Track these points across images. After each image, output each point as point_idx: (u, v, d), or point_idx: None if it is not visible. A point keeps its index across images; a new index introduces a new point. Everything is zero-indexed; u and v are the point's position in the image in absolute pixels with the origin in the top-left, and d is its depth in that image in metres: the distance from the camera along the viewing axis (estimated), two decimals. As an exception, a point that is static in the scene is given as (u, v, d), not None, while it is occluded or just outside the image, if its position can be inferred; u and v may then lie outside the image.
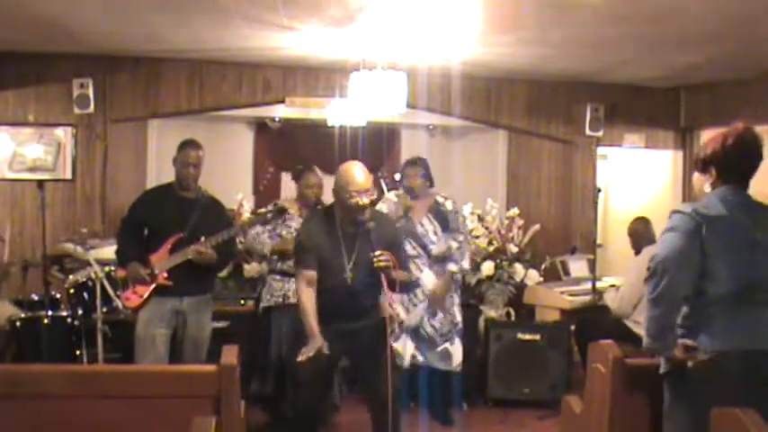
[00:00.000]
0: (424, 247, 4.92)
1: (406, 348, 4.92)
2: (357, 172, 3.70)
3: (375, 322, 3.78)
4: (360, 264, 3.72)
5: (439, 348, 4.96)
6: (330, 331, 3.66)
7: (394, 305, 3.66)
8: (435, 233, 4.95)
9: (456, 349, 5.01)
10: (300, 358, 3.57)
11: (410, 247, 4.87)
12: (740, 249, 2.63)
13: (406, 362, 4.93)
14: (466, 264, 5.05)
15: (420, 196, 4.98)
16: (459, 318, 5.07)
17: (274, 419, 4.94)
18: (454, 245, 4.99)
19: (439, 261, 4.96)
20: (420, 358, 4.96)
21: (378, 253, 3.58)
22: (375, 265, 3.58)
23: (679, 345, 2.66)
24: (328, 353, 3.58)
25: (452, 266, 4.98)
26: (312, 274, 3.72)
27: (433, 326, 4.94)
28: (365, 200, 3.64)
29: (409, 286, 4.84)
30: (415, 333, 4.94)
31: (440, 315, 4.95)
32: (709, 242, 2.60)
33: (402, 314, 4.86)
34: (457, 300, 5.09)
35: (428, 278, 4.92)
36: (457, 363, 5.02)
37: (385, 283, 3.61)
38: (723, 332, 2.61)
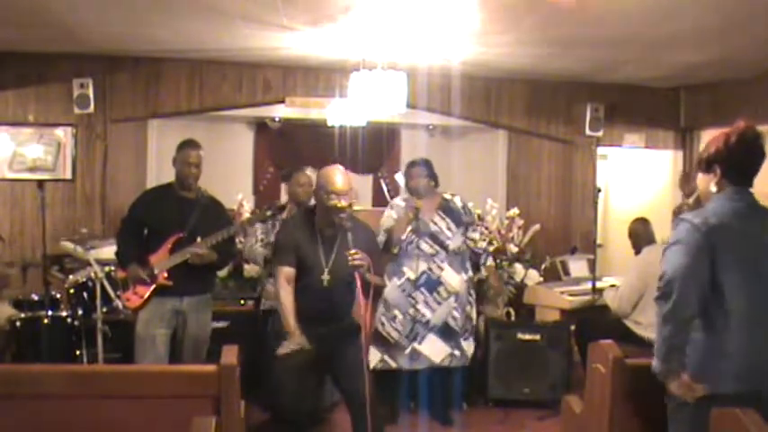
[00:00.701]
0: (441, 244, 4.92)
1: (434, 346, 4.87)
2: (337, 175, 3.75)
3: (353, 325, 3.81)
4: (337, 266, 3.76)
5: (460, 343, 4.98)
6: (309, 332, 3.71)
7: (364, 310, 3.67)
8: (449, 228, 4.96)
9: (468, 345, 5.02)
10: (280, 351, 3.64)
11: (427, 246, 4.89)
12: (750, 261, 2.58)
13: (438, 359, 4.88)
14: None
15: (426, 196, 4.98)
16: (474, 314, 5.12)
17: (273, 420, 4.93)
18: (477, 236, 5.08)
19: (457, 256, 4.97)
20: (460, 358, 4.97)
21: (353, 251, 3.62)
22: (349, 263, 3.61)
23: (681, 381, 2.61)
24: (310, 347, 3.64)
25: (490, 260, 5.18)
26: (290, 270, 3.78)
27: (456, 321, 4.95)
28: (343, 202, 3.70)
29: (432, 284, 4.87)
30: (448, 332, 4.93)
31: (461, 312, 4.95)
32: (720, 252, 2.55)
33: (428, 313, 4.85)
34: (473, 296, 5.13)
35: (450, 275, 4.92)
36: (467, 358, 5.05)
37: (359, 286, 3.61)
38: (733, 373, 2.55)
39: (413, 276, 4.87)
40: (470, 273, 5.10)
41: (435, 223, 4.94)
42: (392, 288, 4.83)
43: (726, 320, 2.56)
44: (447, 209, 4.99)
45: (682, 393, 2.61)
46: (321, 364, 3.86)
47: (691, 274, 2.56)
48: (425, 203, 4.95)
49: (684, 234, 2.61)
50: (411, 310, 4.86)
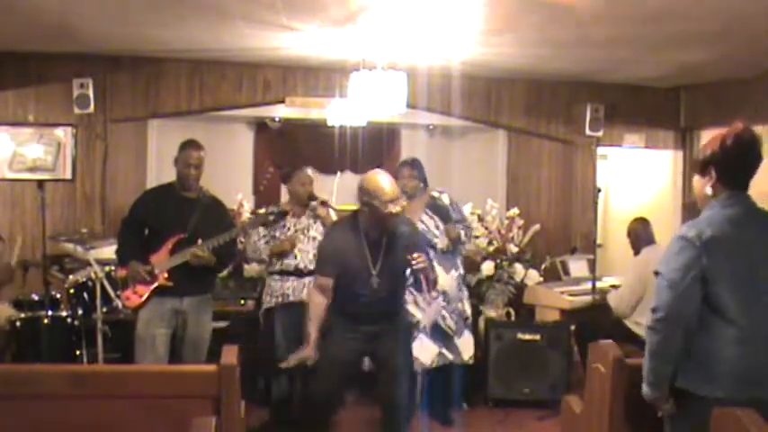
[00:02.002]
0: (429, 243, 4.92)
1: (423, 347, 4.86)
2: (385, 182, 3.72)
3: (405, 324, 3.83)
4: (386, 269, 3.77)
5: (453, 343, 4.99)
6: (358, 333, 3.78)
7: (431, 304, 3.72)
8: (437, 227, 4.97)
9: (465, 342, 5.03)
10: (284, 364, 3.69)
11: None
12: (745, 269, 2.55)
13: (429, 361, 4.89)
14: (468, 245, 5.13)
15: (415, 197, 4.99)
16: (468, 312, 5.12)
17: (281, 421, 4.90)
18: (462, 234, 5.04)
19: (446, 254, 4.97)
20: (450, 356, 4.97)
21: (415, 255, 3.66)
22: (414, 267, 3.66)
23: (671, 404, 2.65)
24: (309, 365, 3.68)
25: (462, 234, 5.04)
26: (326, 281, 3.79)
27: (445, 320, 4.94)
28: (398, 208, 3.68)
29: (421, 284, 4.87)
30: (436, 332, 4.92)
31: (451, 310, 4.95)
32: (715, 264, 2.52)
33: (417, 314, 4.86)
34: (466, 293, 5.13)
35: (438, 273, 4.92)
36: (468, 356, 5.05)
37: (424, 284, 3.69)
38: (731, 379, 2.53)
39: None
40: (461, 270, 5.11)
41: (423, 222, 4.94)
42: None
43: (723, 328, 2.54)
44: (434, 207, 5.01)
45: (668, 409, 2.66)
46: (361, 361, 3.95)
47: (681, 310, 2.53)
48: (413, 204, 4.96)
49: (677, 254, 2.56)
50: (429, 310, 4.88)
